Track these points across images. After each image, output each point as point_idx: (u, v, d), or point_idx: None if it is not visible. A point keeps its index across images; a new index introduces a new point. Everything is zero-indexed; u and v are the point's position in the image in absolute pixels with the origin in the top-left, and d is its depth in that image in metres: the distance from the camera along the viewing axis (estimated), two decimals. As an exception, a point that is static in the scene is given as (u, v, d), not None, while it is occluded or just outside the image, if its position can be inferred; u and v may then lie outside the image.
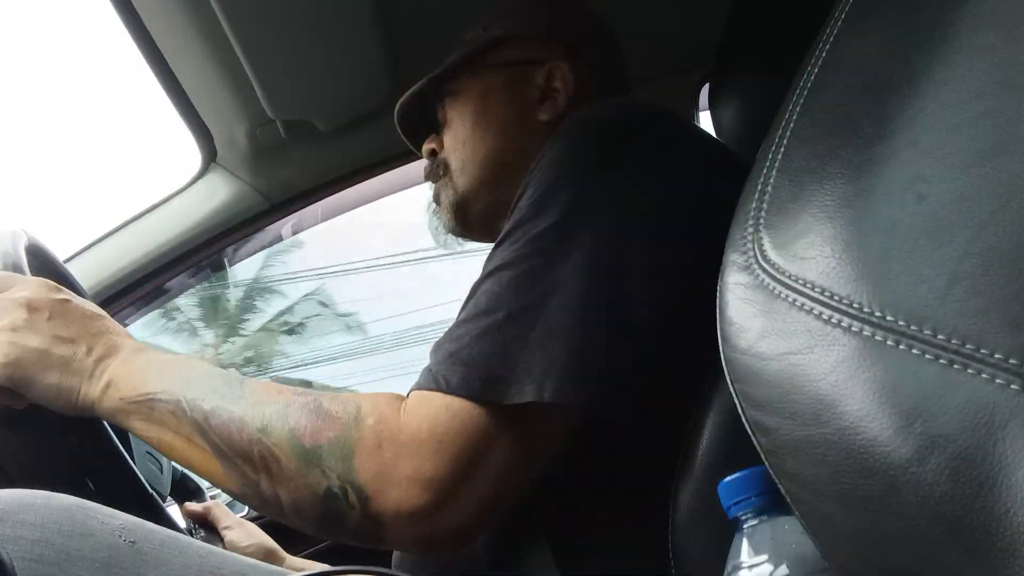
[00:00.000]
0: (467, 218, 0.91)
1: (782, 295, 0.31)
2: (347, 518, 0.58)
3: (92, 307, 0.70)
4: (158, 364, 0.65)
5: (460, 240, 0.96)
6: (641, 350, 0.60)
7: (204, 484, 1.06)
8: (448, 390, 0.58)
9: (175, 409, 0.62)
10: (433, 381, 0.59)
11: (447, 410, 0.58)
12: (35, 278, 0.70)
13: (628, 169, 0.66)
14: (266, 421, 0.60)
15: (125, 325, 1.38)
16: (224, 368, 1.36)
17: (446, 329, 0.64)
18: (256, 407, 0.61)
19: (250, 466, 0.59)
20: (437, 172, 0.92)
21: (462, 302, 0.65)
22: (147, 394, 0.62)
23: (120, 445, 0.76)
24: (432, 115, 0.95)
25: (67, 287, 0.92)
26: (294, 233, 1.49)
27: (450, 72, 0.92)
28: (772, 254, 0.32)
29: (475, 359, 0.59)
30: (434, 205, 0.94)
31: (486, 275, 0.64)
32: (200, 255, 1.36)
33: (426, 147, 0.95)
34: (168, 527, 0.55)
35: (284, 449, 0.59)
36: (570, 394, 0.57)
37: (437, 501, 0.57)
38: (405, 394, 0.62)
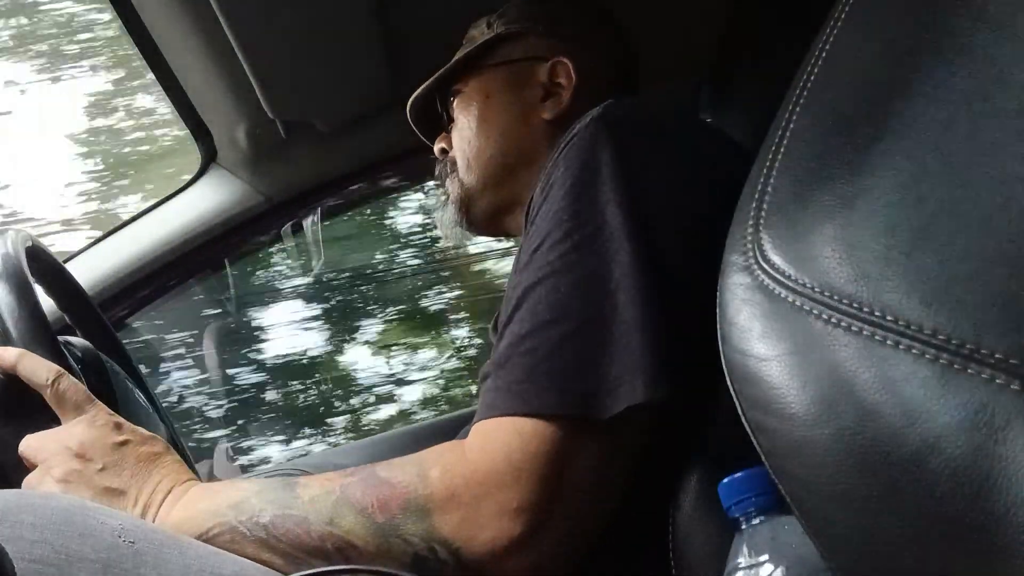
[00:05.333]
0: (471, 215, 0.92)
1: (782, 296, 0.31)
2: (445, 570, 0.56)
3: (148, 446, 0.67)
4: (203, 499, 0.63)
5: (468, 235, 0.97)
6: (698, 338, 0.59)
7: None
8: (529, 411, 0.56)
9: (231, 537, 0.60)
10: (509, 404, 0.57)
11: (519, 434, 0.56)
12: (99, 409, 0.67)
13: (653, 165, 0.65)
14: (330, 512, 0.58)
15: (125, 325, 1.38)
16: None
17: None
18: (315, 502, 0.59)
19: (327, 563, 0.58)
20: (446, 170, 0.93)
21: (505, 311, 0.63)
22: (194, 535, 0.61)
23: None
24: (443, 113, 0.95)
25: (67, 287, 0.92)
26: (294, 233, 1.49)
27: (454, 72, 0.92)
28: (772, 255, 0.32)
29: (561, 373, 0.57)
30: (443, 200, 0.95)
31: (534, 283, 0.61)
32: (200, 255, 1.36)
33: (437, 146, 0.95)
34: None
35: (358, 533, 0.57)
36: (662, 390, 0.55)
37: (531, 529, 0.55)
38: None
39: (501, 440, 0.57)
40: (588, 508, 0.57)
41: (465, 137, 0.91)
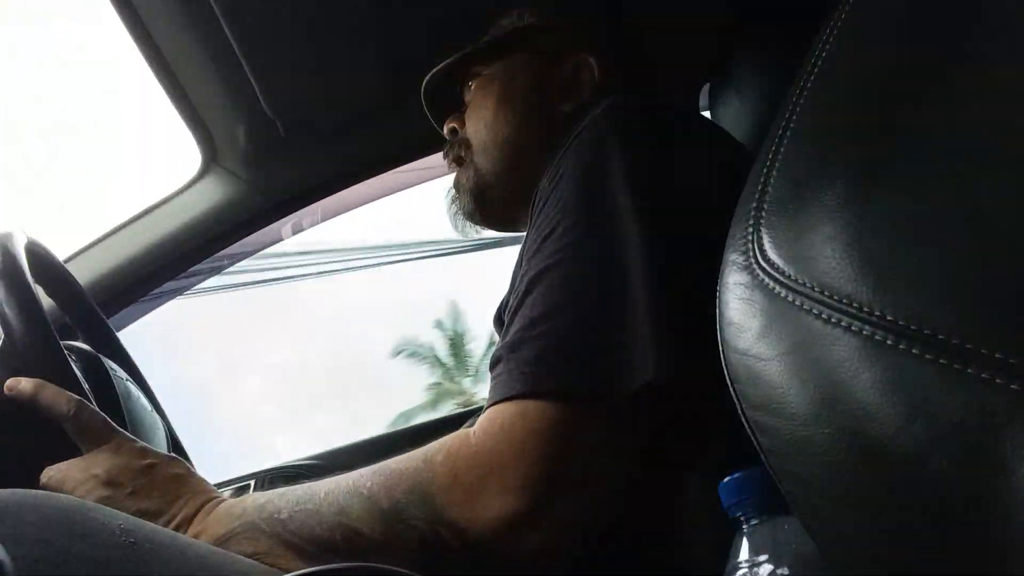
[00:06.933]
0: (486, 203, 0.92)
1: (781, 295, 0.31)
2: (450, 553, 0.57)
3: (173, 467, 0.68)
4: (231, 507, 0.64)
5: (477, 228, 0.97)
6: (704, 327, 0.59)
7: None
8: (537, 392, 0.56)
9: (251, 534, 0.61)
10: (518, 387, 0.57)
11: (524, 415, 0.56)
12: (121, 437, 0.69)
13: (660, 156, 0.66)
14: (342, 504, 0.59)
15: (126, 326, 1.38)
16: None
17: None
18: (329, 495, 0.60)
19: (336, 556, 0.58)
20: (460, 156, 0.93)
21: (514, 297, 0.63)
22: (220, 536, 0.62)
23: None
24: (457, 94, 0.96)
25: (67, 287, 0.92)
26: (294, 233, 1.49)
27: (480, 53, 0.93)
28: (772, 254, 0.32)
29: (573, 355, 0.57)
30: (453, 191, 0.95)
31: (546, 268, 0.62)
32: (200, 255, 1.36)
33: (448, 125, 0.96)
34: None
35: (364, 520, 0.58)
36: (672, 370, 0.55)
37: (534, 507, 0.55)
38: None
39: (506, 421, 0.57)
40: (592, 490, 0.57)
41: (482, 117, 0.91)
